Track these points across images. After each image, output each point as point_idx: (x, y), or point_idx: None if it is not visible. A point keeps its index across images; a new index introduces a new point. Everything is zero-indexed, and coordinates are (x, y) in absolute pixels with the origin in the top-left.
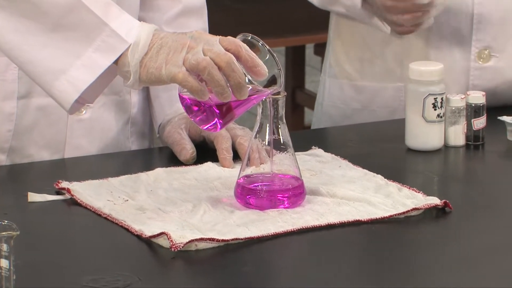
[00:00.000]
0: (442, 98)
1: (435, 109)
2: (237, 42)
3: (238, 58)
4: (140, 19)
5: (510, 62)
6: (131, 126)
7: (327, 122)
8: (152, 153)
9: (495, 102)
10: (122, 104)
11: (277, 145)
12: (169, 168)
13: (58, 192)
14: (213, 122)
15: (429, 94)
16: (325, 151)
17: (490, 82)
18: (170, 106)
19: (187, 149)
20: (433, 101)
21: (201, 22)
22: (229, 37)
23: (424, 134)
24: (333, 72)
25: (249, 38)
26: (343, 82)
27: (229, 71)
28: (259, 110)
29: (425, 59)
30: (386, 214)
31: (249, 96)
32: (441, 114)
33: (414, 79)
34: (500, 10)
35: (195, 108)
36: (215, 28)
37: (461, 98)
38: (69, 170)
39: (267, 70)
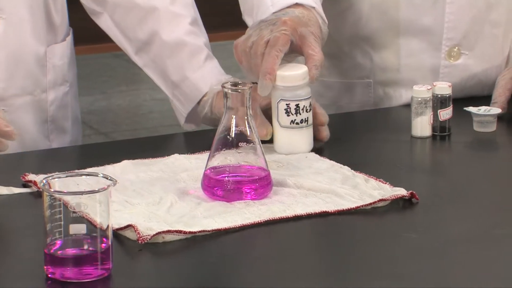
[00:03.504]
0: (297, 105)
1: (288, 115)
2: None
3: None
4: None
5: (478, 59)
6: (50, 124)
7: None
8: (119, 145)
9: (462, 96)
10: (39, 103)
11: (244, 137)
12: (135, 160)
13: (25, 184)
14: None
15: (281, 99)
16: None
17: (459, 78)
18: (205, 83)
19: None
20: (285, 107)
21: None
22: None
23: (282, 138)
24: None
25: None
26: None
27: None
28: (225, 102)
29: (395, 56)
30: (353, 205)
31: None
32: (297, 121)
33: (276, 83)
34: (472, 9)
35: None
36: None
37: (428, 89)
38: (35, 163)
39: None
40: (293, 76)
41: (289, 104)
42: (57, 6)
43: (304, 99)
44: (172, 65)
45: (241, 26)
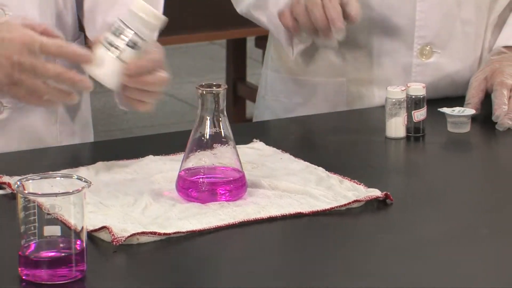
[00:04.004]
0: (124, 31)
1: (110, 32)
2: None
3: None
4: None
5: (451, 58)
6: (60, 126)
7: (269, 116)
8: (94, 146)
9: (436, 96)
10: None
11: (218, 138)
12: (110, 162)
13: None
14: None
15: (120, 19)
16: (266, 144)
17: (432, 77)
18: None
19: None
20: (117, 25)
21: None
22: None
23: (94, 50)
24: (274, 66)
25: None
26: (285, 77)
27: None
28: (200, 103)
29: (367, 55)
30: (328, 206)
31: None
32: (114, 43)
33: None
34: (442, 7)
35: None
36: None
37: (402, 90)
38: (9, 165)
39: None
40: (149, 10)
41: (121, 26)
42: (67, 5)
43: (137, 34)
44: None
45: (216, 27)
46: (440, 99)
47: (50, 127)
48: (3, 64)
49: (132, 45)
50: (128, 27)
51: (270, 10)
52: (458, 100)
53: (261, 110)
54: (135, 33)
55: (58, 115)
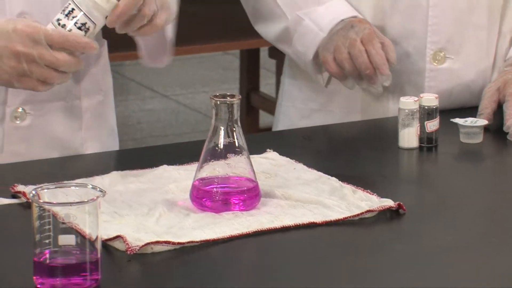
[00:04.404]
0: (75, 13)
1: (61, 12)
2: None
3: None
4: None
5: (465, 64)
6: (85, 132)
7: (285, 122)
8: (108, 156)
9: (450, 104)
10: (71, 110)
11: (232, 148)
12: (124, 172)
13: (14, 195)
14: None
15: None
16: (279, 154)
17: (445, 83)
18: None
19: None
20: (67, 5)
21: None
22: None
23: None
24: (292, 73)
25: None
26: (302, 83)
27: None
28: (214, 113)
29: None
30: (341, 216)
31: None
32: (62, 21)
33: None
34: (455, 12)
35: None
36: None
37: (415, 100)
38: (25, 174)
39: None
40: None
41: (71, 5)
42: None
43: (87, 16)
44: None
45: (230, 38)
46: (453, 109)
47: (74, 134)
48: (8, 56)
49: (80, 26)
50: (78, 7)
51: (294, 47)
52: (470, 110)
53: (277, 117)
54: (84, 14)
55: (83, 122)
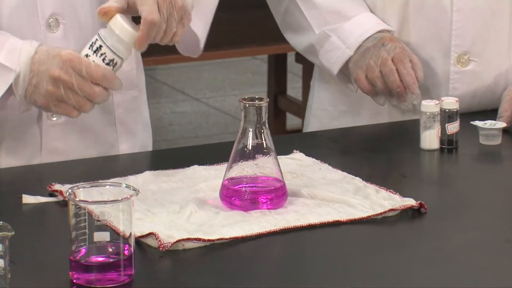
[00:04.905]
0: (103, 50)
1: (89, 48)
2: None
3: None
4: None
5: (488, 67)
6: (119, 127)
7: (315, 123)
8: (142, 157)
9: (474, 106)
10: (104, 105)
11: (260, 149)
12: (157, 171)
13: (51, 194)
14: None
15: (100, 34)
16: (305, 154)
17: (469, 86)
18: None
19: None
20: (95, 40)
21: None
22: None
23: None
24: (322, 77)
25: None
26: (331, 86)
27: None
28: (243, 116)
29: None
30: (365, 215)
31: None
32: (91, 58)
33: (110, 23)
34: (478, 16)
35: None
36: None
37: (436, 103)
38: (62, 173)
39: None
40: (127, 30)
41: (98, 42)
42: None
43: (115, 52)
44: None
45: (258, 43)
46: (475, 112)
47: (108, 128)
48: (48, 81)
49: (108, 62)
50: (105, 43)
51: (320, 62)
52: (490, 113)
53: (308, 118)
54: (112, 50)
55: (116, 116)
